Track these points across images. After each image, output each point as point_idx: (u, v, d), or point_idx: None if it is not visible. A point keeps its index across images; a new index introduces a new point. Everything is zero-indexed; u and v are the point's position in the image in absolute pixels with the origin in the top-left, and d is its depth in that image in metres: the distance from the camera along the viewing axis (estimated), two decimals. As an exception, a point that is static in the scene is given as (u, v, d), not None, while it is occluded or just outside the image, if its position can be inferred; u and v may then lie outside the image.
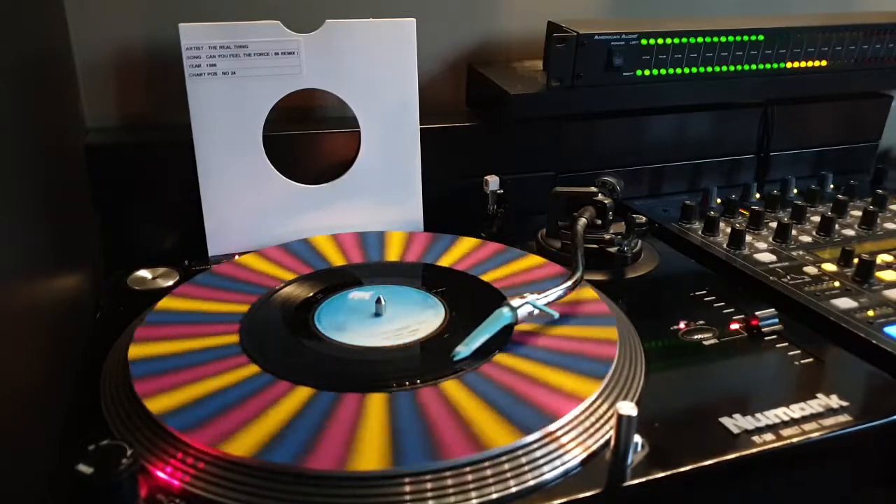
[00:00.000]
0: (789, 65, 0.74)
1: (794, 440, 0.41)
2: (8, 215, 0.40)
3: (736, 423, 0.42)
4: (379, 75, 0.63)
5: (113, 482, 0.32)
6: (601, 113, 0.74)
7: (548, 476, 0.37)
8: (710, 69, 0.71)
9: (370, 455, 0.37)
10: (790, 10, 0.86)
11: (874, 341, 0.51)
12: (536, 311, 0.48)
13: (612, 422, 0.39)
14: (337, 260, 0.59)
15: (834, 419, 0.43)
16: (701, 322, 0.53)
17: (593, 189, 0.62)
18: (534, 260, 0.59)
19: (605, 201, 0.61)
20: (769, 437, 0.41)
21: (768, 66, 0.73)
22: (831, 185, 0.80)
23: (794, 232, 0.68)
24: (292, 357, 0.46)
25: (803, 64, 0.74)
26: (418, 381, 0.43)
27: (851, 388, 0.46)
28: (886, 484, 0.47)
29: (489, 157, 0.71)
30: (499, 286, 0.55)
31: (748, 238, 0.67)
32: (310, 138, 0.66)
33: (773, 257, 0.64)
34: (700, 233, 0.69)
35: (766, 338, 0.51)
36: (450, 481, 0.36)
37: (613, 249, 0.61)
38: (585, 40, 0.65)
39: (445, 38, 0.73)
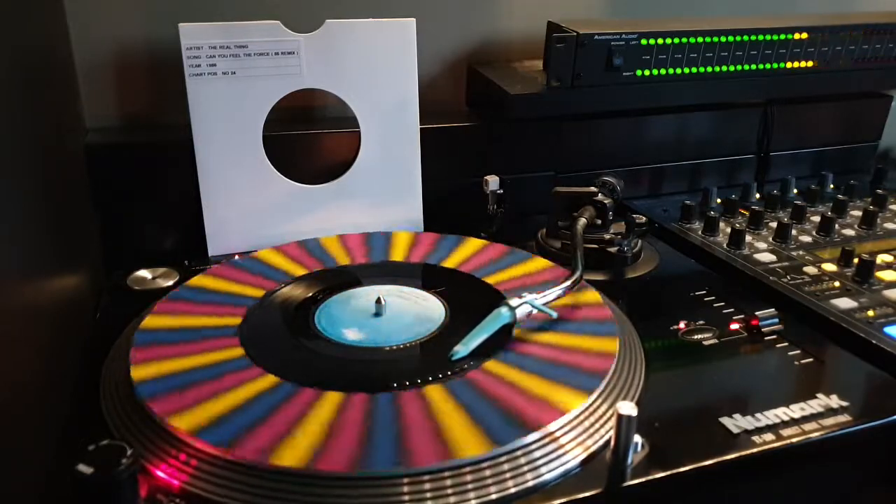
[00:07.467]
0: (789, 65, 0.74)
1: (794, 440, 0.41)
2: (8, 215, 0.40)
3: (736, 423, 0.42)
4: (379, 75, 0.63)
5: (113, 482, 0.32)
6: (601, 113, 0.74)
7: (547, 476, 0.37)
8: (710, 69, 0.71)
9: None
10: (790, 10, 0.86)
11: (874, 341, 0.51)
12: (535, 311, 0.48)
13: (612, 422, 0.39)
14: (341, 260, 0.59)
15: (834, 419, 0.43)
16: (701, 322, 0.53)
17: (593, 189, 0.62)
18: (540, 262, 0.58)
19: (605, 201, 0.61)
20: (769, 437, 0.41)
21: (768, 66, 0.73)
22: (831, 185, 0.80)
23: (794, 232, 0.68)
24: (312, 363, 0.46)
25: (803, 64, 0.74)
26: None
27: (851, 388, 0.46)
28: (886, 484, 0.47)
29: (489, 157, 0.71)
30: (504, 288, 0.54)
31: (748, 238, 0.67)
32: (310, 138, 0.66)
33: (773, 257, 0.64)
34: (700, 233, 0.69)
35: (766, 338, 0.51)
36: (449, 481, 0.36)
37: (613, 249, 0.61)
38: (585, 40, 0.65)
39: (445, 38, 0.73)
